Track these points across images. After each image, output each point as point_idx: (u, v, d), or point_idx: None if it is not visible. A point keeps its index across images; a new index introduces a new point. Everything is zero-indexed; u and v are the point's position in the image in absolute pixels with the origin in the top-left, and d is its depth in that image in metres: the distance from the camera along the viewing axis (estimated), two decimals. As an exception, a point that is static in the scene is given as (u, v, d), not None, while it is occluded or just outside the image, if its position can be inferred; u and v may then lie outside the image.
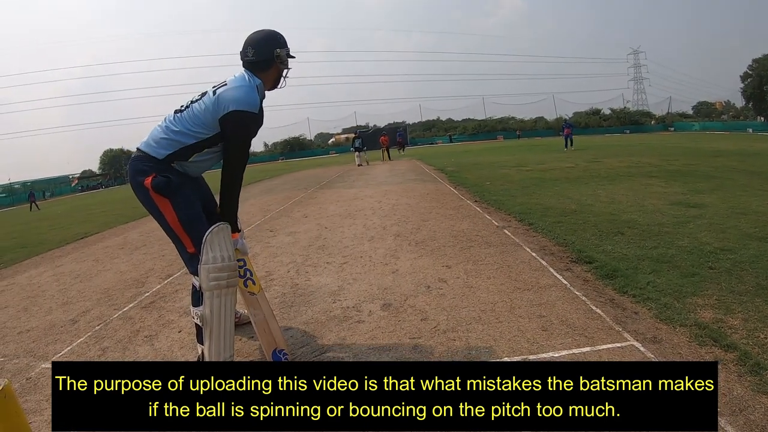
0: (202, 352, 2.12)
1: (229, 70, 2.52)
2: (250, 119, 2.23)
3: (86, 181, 68.98)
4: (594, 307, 2.77)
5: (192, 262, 2.17)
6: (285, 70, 2.42)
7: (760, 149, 17.32)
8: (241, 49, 2.37)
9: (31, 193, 31.09)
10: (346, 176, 16.63)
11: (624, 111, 76.02)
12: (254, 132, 2.34)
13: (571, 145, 21.80)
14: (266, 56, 2.31)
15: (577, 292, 3.02)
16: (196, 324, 2.14)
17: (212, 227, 2.15)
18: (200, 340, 2.14)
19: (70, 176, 70.26)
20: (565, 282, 3.22)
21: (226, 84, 2.27)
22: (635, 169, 10.70)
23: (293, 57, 2.44)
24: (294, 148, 74.48)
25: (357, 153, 23.62)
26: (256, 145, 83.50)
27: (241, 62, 2.39)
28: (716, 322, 2.51)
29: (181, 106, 2.30)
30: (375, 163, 23.25)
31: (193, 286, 2.16)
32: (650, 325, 2.53)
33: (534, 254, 3.96)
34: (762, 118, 57.84)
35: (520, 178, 10.46)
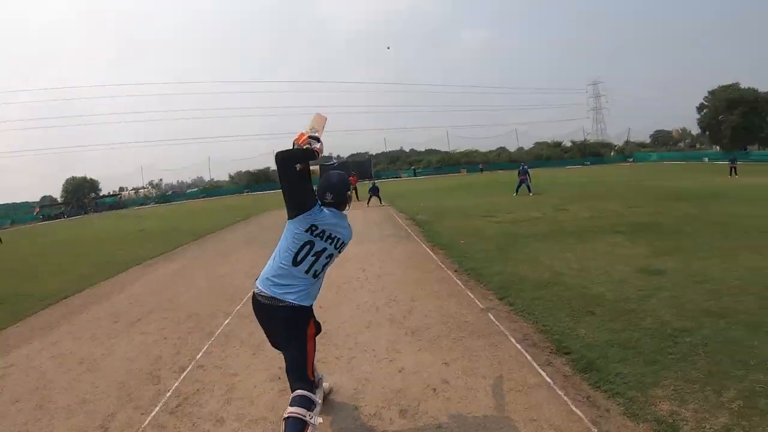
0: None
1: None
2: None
3: (48, 209, 66.70)
4: (574, 408, 3.28)
5: (307, 383, 2.89)
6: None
7: (719, 188, 18.96)
8: (317, 190, 3.08)
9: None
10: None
11: (584, 143, 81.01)
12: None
13: (529, 191, 21.69)
14: (342, 198, 3.12)
15: (559, 391, 3.53)
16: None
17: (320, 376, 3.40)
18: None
19: (32, 204, 68.26)
20: (549, 380, 3.73)
21: None
22: (600, 221, 11.67)
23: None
24: (259, 180, 75.16)
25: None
26: (221, 176, 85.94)
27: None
28: (672, 415, 3.06)
29: (315, 271, 3.03)
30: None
31: (301, 396, 2.84)
32: (620, 423, 3.05)
33: (519, 346, 4.45)
34: (717, 147, 61.80)
35: (492, 234, 11.19)
